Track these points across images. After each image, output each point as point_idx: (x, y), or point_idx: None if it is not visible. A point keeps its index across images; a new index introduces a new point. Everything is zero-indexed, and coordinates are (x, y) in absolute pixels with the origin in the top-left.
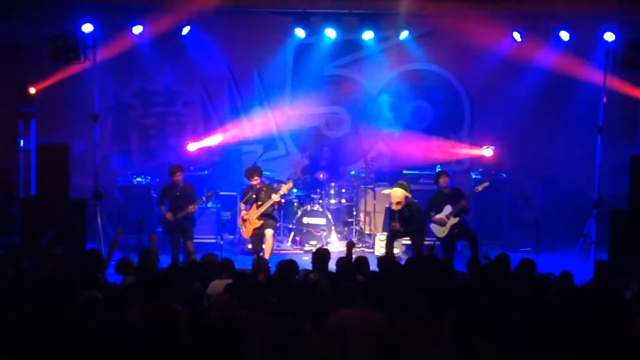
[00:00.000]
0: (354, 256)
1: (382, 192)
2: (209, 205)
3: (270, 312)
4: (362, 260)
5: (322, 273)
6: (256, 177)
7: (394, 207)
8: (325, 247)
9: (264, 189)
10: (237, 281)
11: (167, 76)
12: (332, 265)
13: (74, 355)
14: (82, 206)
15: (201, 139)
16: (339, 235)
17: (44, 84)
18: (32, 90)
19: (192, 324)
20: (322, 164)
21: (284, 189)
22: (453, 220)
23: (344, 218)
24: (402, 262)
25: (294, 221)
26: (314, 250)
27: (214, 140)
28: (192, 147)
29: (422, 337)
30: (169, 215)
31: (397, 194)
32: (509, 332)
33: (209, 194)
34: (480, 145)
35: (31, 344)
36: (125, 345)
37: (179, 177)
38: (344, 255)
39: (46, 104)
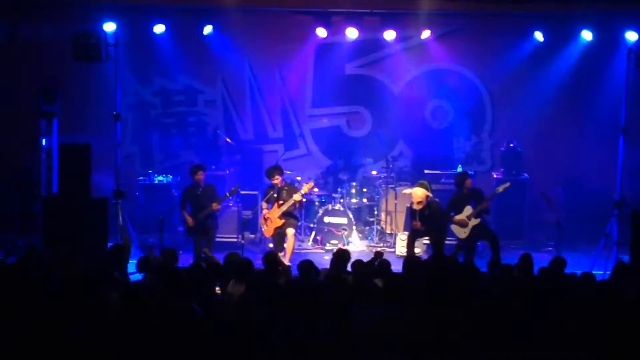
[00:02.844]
0: (373, 256)
1: (403, 191)
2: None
3: (291, 312)
4: (384, 264)
5: (339, 273)
6: (277, 176)
7: (415, 206)
8: (346, 246)
9: (286, 187)
10: (257, 281)
11: (188, 75)
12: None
13: (92, 353)
14: (103, 205)
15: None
16: (360, 235)
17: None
18: (55, 86)
19: (211, 324)
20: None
21: (305, 188)
22: (474, 221)
23: (365, 217)
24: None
25: (315, 220)
26: (334, 250)
27: None
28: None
29: (444, 337)
30: (189, 221)
31: (418, 193)
32: (530, 332)
33: (232, 188)
34: (501, 144)
35: (53, 344)
36: (143, 344)
37: (200, 176)
38: (364, 255)
39: (68, 103)
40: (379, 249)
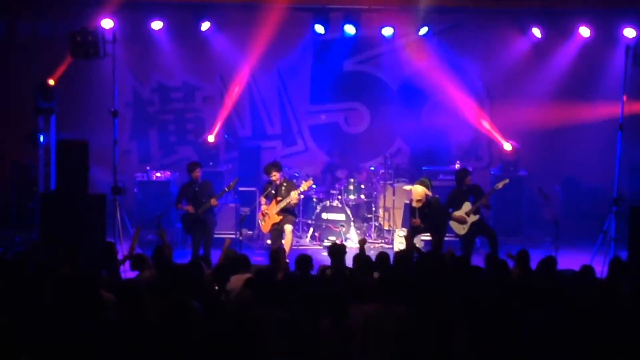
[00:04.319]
0: (373, 252)
1: (403, 188)
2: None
3: (289, 309)
4: (383, 257)
5: (339, 269)
6: (275, 173)
7: (415, 204)
8: (343, 242)
9: (284, 184)
10: (255, 277)
11: (186, 72)
12: (349, 262)
13: (89, 352)
14: (101, 201)
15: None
16: (358, 231)
17: (60, 72)
18: (51, 82)
19: (210, 320)
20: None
21: (304, 186)
22: (473, 218)
23: (363, 214)
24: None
25: (313, 217)
26: (329, 245)
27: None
28: (212, 138)
29: (441, 334)
30: (190, 209)
31: (418, 190)
32: (527, 330)
33: (231, 183)
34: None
35: (50, 341)
36: (141, 342)
37: (197, 173)
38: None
39: (66, 100)
40: (361, 238)
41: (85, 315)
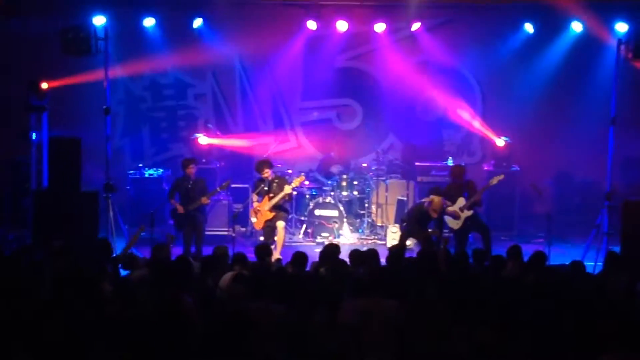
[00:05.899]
0: (364, 249)
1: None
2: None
3: (283, 304)
4: (373, 254)
5: (332, 265)
6: (266, 170)
7: (434, 214)
8: (336, 239)
9: (276, 180)
10: (250, 272)
11: (178, 69)
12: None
13: (87, 346)
14: (94, 198)
15: (214, 136)
16: (351, 227)
17: (56, 82)
18: (45, 86)
19: (204, 316)
20: (334, 155)
21: (296, 182)
22: (467, 213)
23: (355, 210)
24: (414, 255)
25: (305, 213)
26: (325, 243)
27: (226, 142)
28: (203, 140)
29: (437, 326)
30: (180, 209)
31: (437, 201)
32: (519, 323)
33: (224, 184)
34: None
35: (47, 339)
36: (137, 337)
37: (192, 170)
38: (355, 247)
39: (58, 97)
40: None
41: (82, 312)
